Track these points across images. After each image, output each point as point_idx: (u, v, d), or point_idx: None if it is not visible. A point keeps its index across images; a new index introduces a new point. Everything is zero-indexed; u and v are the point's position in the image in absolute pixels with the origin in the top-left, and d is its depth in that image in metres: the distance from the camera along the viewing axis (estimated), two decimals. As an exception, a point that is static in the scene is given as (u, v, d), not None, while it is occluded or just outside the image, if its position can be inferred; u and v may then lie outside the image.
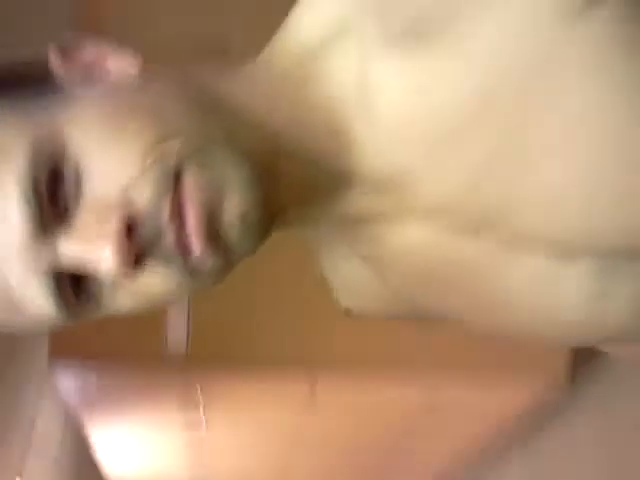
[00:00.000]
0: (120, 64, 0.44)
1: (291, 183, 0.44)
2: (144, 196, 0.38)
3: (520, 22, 0.37)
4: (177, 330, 1.65)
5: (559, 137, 0.39)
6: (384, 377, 1.81)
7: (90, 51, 0.44)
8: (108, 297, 0.41)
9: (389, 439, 2.68)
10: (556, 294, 0.46)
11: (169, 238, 0.38)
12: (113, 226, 0.37)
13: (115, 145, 0.39)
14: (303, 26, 0.45)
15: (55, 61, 0.44)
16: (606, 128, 0.38)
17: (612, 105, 0.38)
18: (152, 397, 2.10)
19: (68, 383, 1.80)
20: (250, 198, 0.40)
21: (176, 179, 0.38)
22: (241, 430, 2.68)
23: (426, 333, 1.50)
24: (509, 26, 0.38)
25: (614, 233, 0.43)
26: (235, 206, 0.39)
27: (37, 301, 0.39)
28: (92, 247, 0.38)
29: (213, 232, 0.39)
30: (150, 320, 1.57)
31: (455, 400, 2.15)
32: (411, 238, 0.47)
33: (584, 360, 1.90)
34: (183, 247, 0.39)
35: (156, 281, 0.40)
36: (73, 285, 0.40)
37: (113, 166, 0.38)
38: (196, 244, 0.38)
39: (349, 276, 0.54)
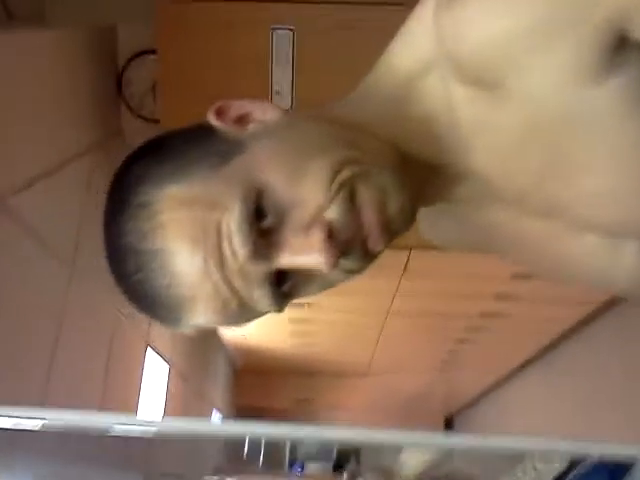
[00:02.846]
0: (263, 112, 0.58)
1: (417, 178, 0.59)
2: (335, 215, 0.53)
3: (555, 79, 0.50)
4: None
5: (595, 155, 0.54)
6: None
7: (237, 106, 0.58)
8: (305, 289, 0.57)
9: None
10: (610, 264, 0.63)
11: (358, 238, 0.54)
12: (321, 235, 0.52)
13: (301, 184, 0.53)
14: (403, 57, 0.59)
15: (214, 121, 0.57)
16: (624, 151, 0.53)
17: (629, 136, 0.52)
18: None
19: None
20: (403, 196, 0.56)
21: (352, 198, 0.54)
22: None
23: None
24: (547, 81, 0.50)
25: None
26: (395, 203, 0.55)
27: (262, 301, 0.55)
28: (305, 257, 0.53)
29: (386, 225, 0.55)
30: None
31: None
32: (496, 216, 0.64)
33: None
34: (366, 240, 0.55)
35: (340, 276, 0.57)
36: (278, 286, 0.55)
37: (305, 199, 0.53)
38: (376, 234, 0.54)
39: (441, 224, 0.73)
